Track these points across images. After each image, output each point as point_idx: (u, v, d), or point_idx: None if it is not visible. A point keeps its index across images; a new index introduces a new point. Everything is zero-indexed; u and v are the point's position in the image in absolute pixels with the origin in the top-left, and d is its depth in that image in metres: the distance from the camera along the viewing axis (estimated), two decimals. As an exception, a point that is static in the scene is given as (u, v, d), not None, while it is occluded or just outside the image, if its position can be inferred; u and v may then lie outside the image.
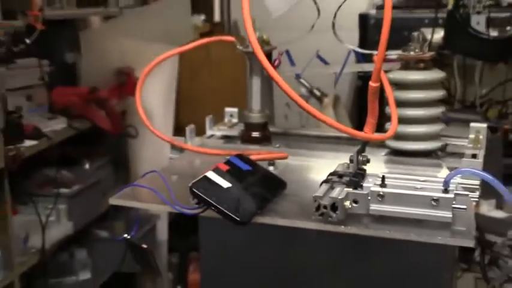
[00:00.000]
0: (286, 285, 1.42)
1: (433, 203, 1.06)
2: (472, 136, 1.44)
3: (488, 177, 1.07)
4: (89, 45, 2.78)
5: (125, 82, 2.91)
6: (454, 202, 1.05)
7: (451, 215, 1.05)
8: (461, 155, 1.39)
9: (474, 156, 1.37)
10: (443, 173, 1.24)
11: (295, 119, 2.81)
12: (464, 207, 1.06)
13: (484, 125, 1.45)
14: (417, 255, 1.28)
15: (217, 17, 4.54)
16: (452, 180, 1.08)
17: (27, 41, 2.47)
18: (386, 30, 1.07)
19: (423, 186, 1.09)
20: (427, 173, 1.26)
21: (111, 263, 2.83)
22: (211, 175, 1.14)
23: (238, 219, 1.07)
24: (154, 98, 3.12)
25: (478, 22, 2.43)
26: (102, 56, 2.86)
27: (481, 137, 1.44)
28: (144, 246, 1.26)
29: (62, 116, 2.60)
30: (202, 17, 4.33)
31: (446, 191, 1.07)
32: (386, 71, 1.35)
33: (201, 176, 1.13)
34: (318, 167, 1.31)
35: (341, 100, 3.30)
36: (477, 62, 3.46)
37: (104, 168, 2.89)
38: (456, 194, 1.06)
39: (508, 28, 2.73)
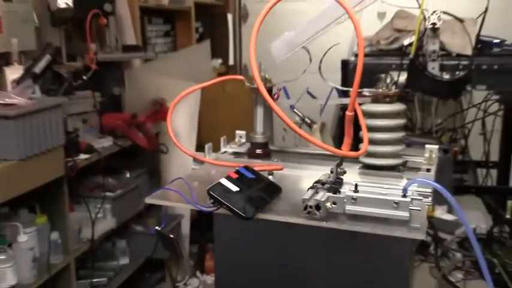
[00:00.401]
0: (282, 267, 1.43)
1: (394, 205, 1.08)
2: (426, 155, 1.46)
3: (436, 185, 1.09)
4: (131, 81, 2.81)
5: (159, 110, 2.93)
6: (410, 205, 1.07)
7: (408, 215, 1.07)
8: (418, 169, 1.41)
9: (428, 170, 1.39)
10: (403, 182, 1.25)
11: (291, 140, 2.83)
12: (419, 208, 1.07)
13: (436, 146, 1.47)
14: (384, 247, 1.29)
15: (231, 61, 4.57)
16: (409, 188, 1.10)
17: (84, 77, 2.50)
18: (359, 73, 1.10)
19: (387, 192, 1.11)
20: (391, 182, 1.27)
21: (145, 251, 2.84)
22: (224, 181, 1.16)
23: (244, 215, 1.10)
24: (182, 123, 3.14)
25: (433, 67, 2.46)
26: (141, 90, 2.88)
27: (433, 155, 1.45)
28: (171, 235, 1.27)
29: (109, 135, 2.60)
30: (220, 60, 4.37)
31: (404, 196, 1.09)
32: (360, 104, 1.38)
33: (216, 182, 1.15)
34: (306, 177, 1.32)
35: (326, 126, 3.32)
36: (433, 98, 3.49)
37: (140, 177, 2.90)
38: (412, 199, 1.08)
39: (457, 72, 2.75)
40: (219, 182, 1.15)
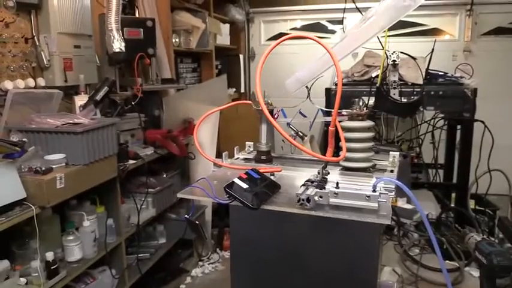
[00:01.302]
0: (281, 246, 1.42)
1: (366, 198, 1.06)
2: (390, 159, 1.44)
3: (398, 183, 1.08)
4: (167, 105, 2.81)
5: (188, 126, 2.93)
6: (379, 198, 1.05)
7: (377, 205, 1.05)
8: (384, 171, 1.39)
9: (392, 171, 1.37)
10: (373, 181, 1.23)
11: (287, 149, 2.81)
12: (385, 200, 1.06)
13: (397, 153, 1.45)
14: (360, 230, 1.27)
15: (242, 90, 4.58)
16: (378, 185, 1.08)
17: (133, 103, 2.51)
18: (338, 98, 1.09)
19: (361, 188, 1.09)
20: (363, 181, 1.26)
21: (178, 233, 2.82)
22: (237, 180, 1.15)
23: (252, 206, 1.08)
24: (205, 136, 3.13)
25: (395, 93, 2.43)
26: (175, 111, 2.88)
27: (395, 160, 1.44)
28: (197, 222, 1.26)
29: (151, 146, 2.60)
30: (234, 89, 4.37)
31: (374, 191, 1.07)
32: (340, 121, 1.37)
33: (231, 181, 1.14)
34: (299, 177, 1.31)
35: (314, 138, 3.30)
36: (394, 116, 3.48)
37: (174, 177, 2.88)
38: (380, 193, 1.06)
39: (412, 97, 2.74)
40: (233, 181, 1.14)
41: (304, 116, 1.79)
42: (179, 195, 1.20)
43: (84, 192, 2.02)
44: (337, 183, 1.09)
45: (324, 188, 1.10)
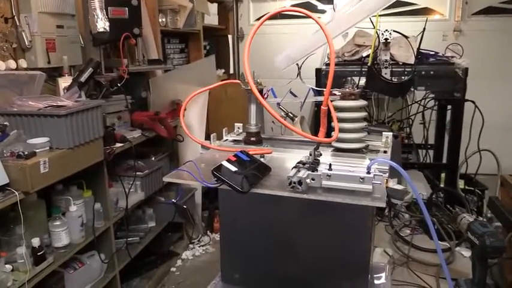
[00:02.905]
0: (271, 230, 1.38)
1: (360, 180, 1.02)
2: (383, 140, 1.40)
3: (393, 164, 1.04)
4: (154, 87, 2.74)
5: (176, 108, 2.87)
6: (373, 180, 1.01)
7: (371, 188, 1.01)
8: (377, 151, 1.35)
9: (385, 152, 1.33)
10: (366, 162, 1.19)
11: (277, 130, 2.77)
12: (380, 182, 1.02)
13: (391, 133, 1.41)
14: (353, 212, 1.24)
15: (231, 71, 4.50)
16: (372, 166, 1.04)
17: (119, 84, 2.44)
18: (331, 76, 1.04)
19: (354, 169, 1.05)
20: (356, 162, 1.22)
21: (167, 216, 2.79)
22: (225, 163, 1.10)
23: (241, 190, 1.04)
24: (194, 118, 3.09)
25: (386, 73, 2.40)
26: (162, 93, 2.82)
27: (388, 140, 1.40)
28: (184, 206, 1.22)
29: (138, 128, 2.55)
30: (223, 70, 4.29)
31: (368, 173, 1.03)
32: (332, 100, 1.32)
33: (219, 164, 1.09)
34: (290, 158, 1.26)
35: (305, 119, 3.26)
36: (385, 96, 3.44)
37: (162, 160, 2.84)
38: (375, 175, 1.02)
39: (403, 77, 2.70)
40: (221, 164, 1.09)
41: (295, 96, 1.74)
42: (165, 179, 1.15)
43: (70, 176, 1.97)
44: (330, 165, 1.05)
45: (316, 170, 1.06)
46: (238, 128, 1.63)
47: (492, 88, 4.01)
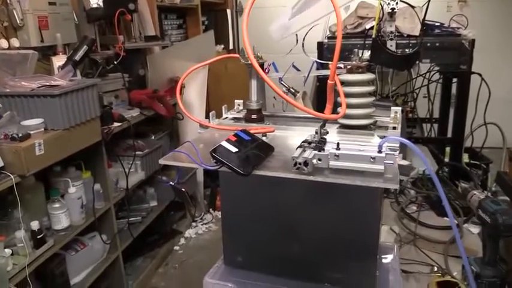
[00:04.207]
0: (275, 211, 1.32)
1: (371, 160, 0.95)
2: (392, 115, 1.33)
3: (406, 141, 0.96)
4: (152, 64, 2.66)
5: (175, 86, 2.79)
6: (385, 159, 0.94)
7: (383, 168, 0.94)
8: (385, 128, 1.28)
9: (394, 128, 1.26)
10: (375, 139, 1.12)
11: (279, 107, 2.67)
12: (392, 162, 0.95)
13: (399, 108, 1.33)
14: (360, 193, 1.16)
15: (231, 46, 4.39)
16: (383, 145, 0.97)
17: (115, 62, 2.36)
18: (338, 48, 0.96)
19: (364, 148, 0.98)
20: (365, 139, 1.14)
21: (169, 195, 2.75)
22: (225, 144, 1.03)
23: (242, 172, 0.97)
24: (194, 95, 3.02)
25: (391, 45, 2.30)
26: (160, 70, 2.73)
27: (398, 115, 1.32)
28: (183, 189, 1.16)
29: (136, 107, 2.49)
30: (222, 46, 4.18)
31: (380, 151, 0.95)
32: (337, 74, 1.23)
33: (218, 145, 1.02)
34: (294, 137, 1.19)
35: (307, 94, 3.16)
36: (389, 69, 3.35)
37: (163, 139, 2.80)
38: (386, 154, 0.95)
39: (407, 50, 2.60)
40: (220, 145, 1.02)
41: (298, 70, 1.65)
42: (161, 161, 1.08)
43: (68, 157, 1.91)
44: (338, 143, 0.98)
45: (323, 150, 0.99)
46: (239, 105, 1.55)
47: (497, 60, 3.90)
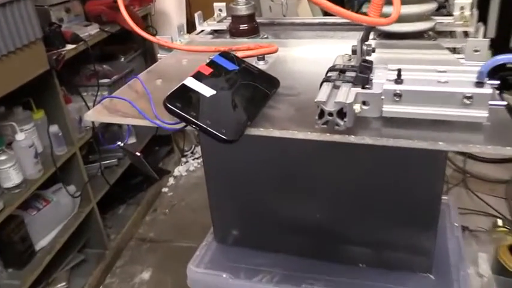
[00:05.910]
0: (281, 167, 0.90)
1: (465, 100, 0.49)
2: (456, 13, 0.84)
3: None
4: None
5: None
6: (490, 97, 0.49)
7: (487, 114, 0.49)
8: (449, 34, 0.80)
9: (466, 33, 0.78)
10: (450, 56, 0.65)
11: (278, 10, 2.11)
12: (504, 103, 0.49)
13: (469, 0, 0.84)
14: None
15: None
16: (486, 71, 0.50)
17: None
18: None
19: (447, 79, 0.51)
20: (432, 57, 0.67)
21: (150, 129, 2.32)
22: (191, 83, 0.56)
23: (224, 137, 0.51)
24: (171, 4, 2.49)
25: None
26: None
27: (466, 13, 0.84)
28: (138, 154, 0.74)
29: (95, 22, 2.00)
30: None
31: (480, 84, 0.49)
32: None
33: (178, 86, 0.55)
34: (311, 58, 0.72)
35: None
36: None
37: (135, 60, 2.35)
38: (493, 86, 0.49)
39: None
40: (183, 85, 0.55)
41: None
42: (86, 117, 0.62)
43: (11, 96, 1.49)
44: (399, 70, 0.52)
45: (371, 84, 0.53)
46: (220, 10, 1.04)
47: None
